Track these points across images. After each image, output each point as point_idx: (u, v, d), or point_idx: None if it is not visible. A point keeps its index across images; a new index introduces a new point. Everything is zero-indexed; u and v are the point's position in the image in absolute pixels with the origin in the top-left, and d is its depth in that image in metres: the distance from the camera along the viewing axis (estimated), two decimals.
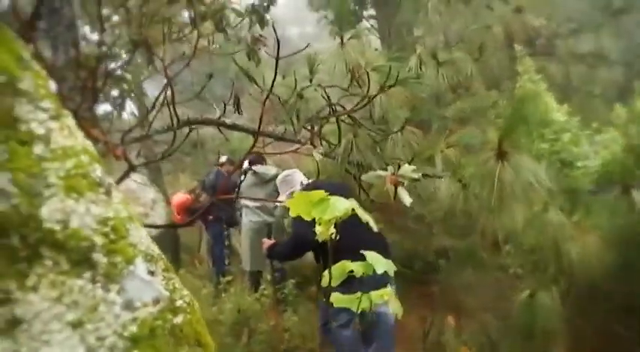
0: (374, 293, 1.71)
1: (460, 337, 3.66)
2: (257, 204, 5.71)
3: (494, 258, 3.99)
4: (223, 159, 6.49)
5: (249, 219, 5.60)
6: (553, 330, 2.92)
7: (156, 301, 0.95)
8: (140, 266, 0.99)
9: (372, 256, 1.60)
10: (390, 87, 2.66)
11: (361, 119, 3.08)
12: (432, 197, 2.54)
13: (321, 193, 1.33)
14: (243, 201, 5.80)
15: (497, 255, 3.82)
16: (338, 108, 3.08)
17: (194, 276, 4.92)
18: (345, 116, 3.12)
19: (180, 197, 6.20)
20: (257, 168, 5.62)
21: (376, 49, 5.89)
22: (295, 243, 3.20)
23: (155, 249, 1.08)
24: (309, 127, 3.55)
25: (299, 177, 3.80)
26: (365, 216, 1.42)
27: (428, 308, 4.23)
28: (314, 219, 3.60)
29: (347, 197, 1.35)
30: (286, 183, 3.79)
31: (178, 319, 0.96)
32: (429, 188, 2.65)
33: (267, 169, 5.66)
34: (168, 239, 6.34)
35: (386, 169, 1.99)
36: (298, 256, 3.33)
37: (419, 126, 3.56)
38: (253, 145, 2.38)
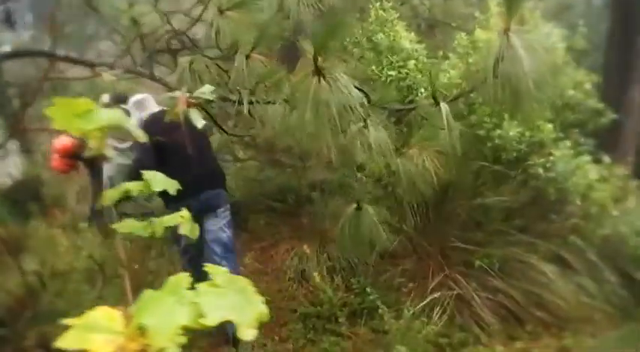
0: (166, 217, 1.64)
1: (319, 263, 3.82)
2: (125, 145, 5.37)
3: (360, 186, 4.12)
4: (106, 98, 5.92)
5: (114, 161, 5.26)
6: (391, 248, 3.12)
7: None
8: None
9: (152, 175, 1.55)
10: (228, 10, 2.51)
11: (206, 47, 2.90)
12: (276, 125, 2.49)
13: (87, 102, 1.19)
14: (109, 143, 5.41)
15: (359, 183, 3.94)
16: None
17: (50, 227, 4.55)
18: (190, 44, 2.93)
19: (63, 141, 5.55)
20: (120, 107, 5.24)
21: None
22: (136, 172, 3.02)
23: None
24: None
25: (151, 104, 3.59)
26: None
27: (296, 239, 4.33)
28: (156, 146, 3.40)
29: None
30: (137, 108, 3.59)
31: None
32: (276, 115, 2.60)
33: (131, 108, 5.30)
34: (28, 188, 5.79)
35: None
36: None
37: (278, 57, 3.45)
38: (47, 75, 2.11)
